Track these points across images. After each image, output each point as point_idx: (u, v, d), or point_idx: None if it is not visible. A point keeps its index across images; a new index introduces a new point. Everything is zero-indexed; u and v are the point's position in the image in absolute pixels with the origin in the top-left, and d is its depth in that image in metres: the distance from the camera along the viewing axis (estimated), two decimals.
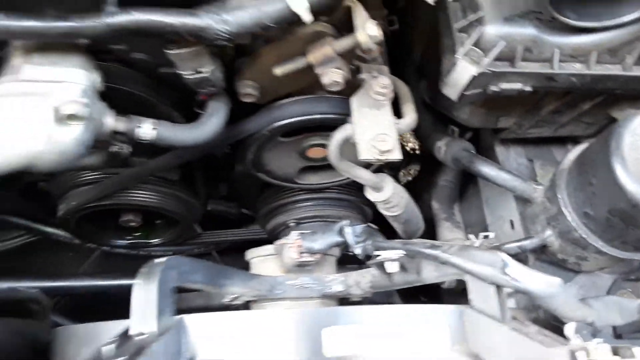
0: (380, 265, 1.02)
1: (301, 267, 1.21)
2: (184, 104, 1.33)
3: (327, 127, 1.34)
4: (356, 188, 1.71)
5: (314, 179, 1.56)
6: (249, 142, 1.31)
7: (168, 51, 1.02)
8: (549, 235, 1.21)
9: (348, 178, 1.57)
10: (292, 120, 1.24)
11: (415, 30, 1.53)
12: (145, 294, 0.77)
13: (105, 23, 0.91)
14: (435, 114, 1.53)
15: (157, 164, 1.41)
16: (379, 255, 1.01)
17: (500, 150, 1.40)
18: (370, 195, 1.25)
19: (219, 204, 1.90)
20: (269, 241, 1.97)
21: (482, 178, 1.30)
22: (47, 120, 0.91)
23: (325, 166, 1.53)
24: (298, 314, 0.89)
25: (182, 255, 1.99)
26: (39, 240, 1.99)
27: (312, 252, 1.10)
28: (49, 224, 1.92)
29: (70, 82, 0.93)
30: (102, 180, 1.50)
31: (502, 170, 1.26)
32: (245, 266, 1.89)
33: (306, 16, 0.93)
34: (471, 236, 1.32)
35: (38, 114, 0.91)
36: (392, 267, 0.99)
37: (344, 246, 1.10)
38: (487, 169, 1.28)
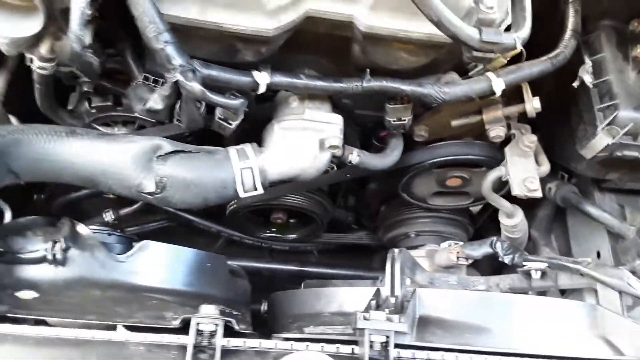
0: (526, 272, 1.41)
1: (447, 268, 1.61)
2: (362, 136, 1.75)
3: (469, 164, 1.75)
4: (464, 211, 2.10)
5: (439, 202, 1.95)
6: (411, 169, 1.71)
7: (388, 105, 1.43)
8: (638, 264, 1.60)
9: (464, 203, 1.98)
10: (452, 157, 1.65)
11: None
12: (394, 270, 1.17)
13: (361, 86, 1.32)
14: None
15: (330, 177, 1.81)
16: (524, 265, 1.41)
17: (598, 196, 1.79)
18: (503, 219, 1.64)
19: (339, 212, 2.30)
20: (368, 247, 2.39)
21: (587, 216, 1.69)
22: (314, 148, 1.34)
23: (450, 192, 1.93)
24: (472, 293, 1.29)
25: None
26: (174, 226, 2.41)
27: (469, 257, 1.50)
28: (186, 211, 2.34)
29: (333, 122, 1.35)
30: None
31: (605, 212, 1.66)
32: (340, 265, 2.29)
33: (499, 93, 1.34)
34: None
35: (310, 143, 1.34)
36: (537, 275, 1.38)
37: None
38: (592, 210, 1.67)
